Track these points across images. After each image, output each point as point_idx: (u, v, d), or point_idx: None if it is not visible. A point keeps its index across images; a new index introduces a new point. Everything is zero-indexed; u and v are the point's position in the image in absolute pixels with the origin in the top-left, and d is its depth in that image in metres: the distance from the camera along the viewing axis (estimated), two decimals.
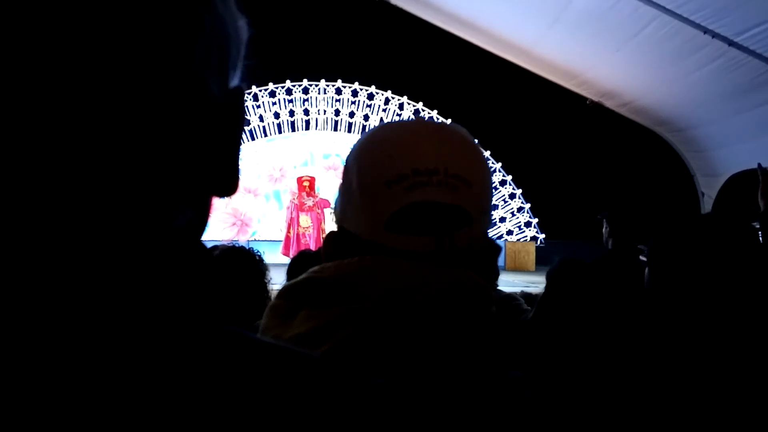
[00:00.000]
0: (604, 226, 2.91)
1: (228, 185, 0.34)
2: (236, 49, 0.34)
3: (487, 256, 0.67)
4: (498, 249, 0.69)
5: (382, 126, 0.67)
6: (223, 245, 2.16)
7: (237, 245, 2.20)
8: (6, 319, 0.25)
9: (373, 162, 0.62)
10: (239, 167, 0.34)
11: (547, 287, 1.77)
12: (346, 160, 0.67)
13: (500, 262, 11.42)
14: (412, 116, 13.10)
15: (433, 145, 0.62)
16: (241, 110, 0.34)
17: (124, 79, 0.27)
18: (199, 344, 0.30)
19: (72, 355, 0.26)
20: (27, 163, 0.25)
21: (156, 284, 0.30)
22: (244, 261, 2.08)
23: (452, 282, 0.59)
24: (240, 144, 0.34)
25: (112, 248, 0.28)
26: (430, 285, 0.58)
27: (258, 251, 2.13)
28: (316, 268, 0.63)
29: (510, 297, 2.65)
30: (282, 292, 0.64)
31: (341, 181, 0.66)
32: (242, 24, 0.35)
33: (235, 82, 0.34)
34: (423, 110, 13.12)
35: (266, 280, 2.08)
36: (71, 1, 0.26)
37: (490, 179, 0.67)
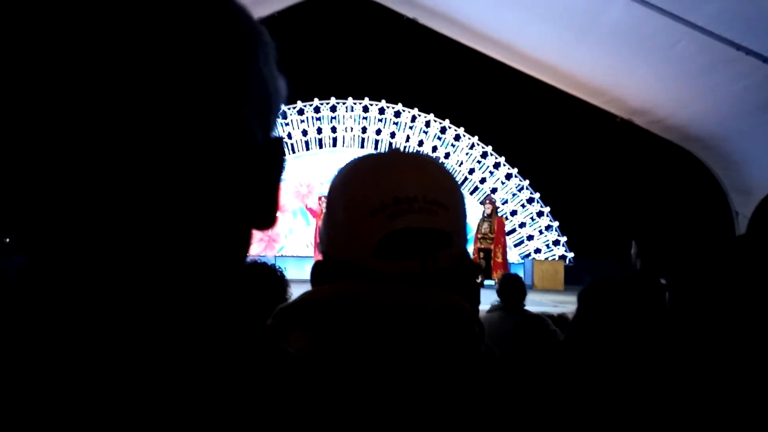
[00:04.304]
0: (633, 246, 2.87)
1: (267, 221, 0.39)
2: (277, 103, 0.39)
3: (467, 275, 0.70)
4: (478, 269, 0.74)
5: (362, 158, 0.73)
6: (247, 261, 2.17)
7: (259, 261, 2.22)
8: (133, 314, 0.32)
9: (357, 193, 0.67)
10: (278, 205, 0.39)
11: (578, 309, 1.75)
12: (329, 192, 0.72)
13: (528, 281, 11.28)
14: (438, 133, 13.10)
15: (411, 174, 0.67)
16: (281, 157, 0.39)
17: (190, 133, 0.32)
18: (247, 352, 0.36)
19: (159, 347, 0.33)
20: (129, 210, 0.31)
21: (210, 299, 0.35)
22: (265, 276, 2.09)
23: (438, 303, 0.63)
24: (279, 185, 0.39)
25: (183, 269, 0.34)
26: (420, 306, 0.62)
27: (279, 267, 2.15)
28: (309, 291, 0.66)
29: (537, 318, 2.61)
30: (276, 313, 0.67)
31: (325, 211, 0.71)
32: (282, 82, 0.40)
33: (275, 131, 0.39)
34: (450, 127, 13.12)
35: (287, 296, 2.09)
36: (152, 70, 0.31)
37: (463, 202, 0.72)
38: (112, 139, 0.30)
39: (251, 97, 0.35)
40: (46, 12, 0.30)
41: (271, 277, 2.10)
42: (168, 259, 0.33)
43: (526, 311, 3.36)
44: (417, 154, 0.73)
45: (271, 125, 0.39)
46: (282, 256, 12.08)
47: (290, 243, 12.55)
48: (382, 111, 13.21)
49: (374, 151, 0.75)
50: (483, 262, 10.54)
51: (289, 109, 13.04)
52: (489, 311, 3.43)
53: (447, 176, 0.70)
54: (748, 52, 4.63)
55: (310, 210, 11.02)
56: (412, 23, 8.68)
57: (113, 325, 0.32)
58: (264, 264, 2.19)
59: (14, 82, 0.30)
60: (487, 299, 3.60)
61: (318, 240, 9.91)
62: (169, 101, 0.31)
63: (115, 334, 0.32)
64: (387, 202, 0.64)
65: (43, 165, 0.30)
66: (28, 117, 0.30)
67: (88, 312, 0.32)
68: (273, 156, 0.39)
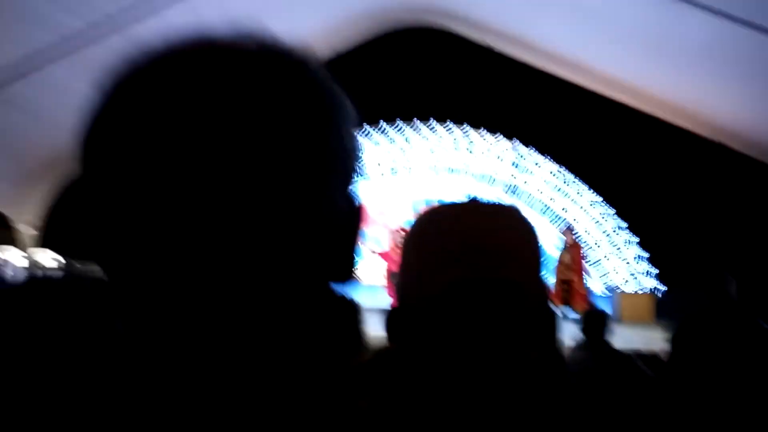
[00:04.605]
0: (730, 282, 2.64)
1: (345, 275, 0.44)
2: (355, 166, 0.43)
3: (544, 321, 0.68)
4: (554, 316, 0.72)
5: (439, 207, 0.76)
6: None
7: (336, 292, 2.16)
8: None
9: (429, 240, 0.70)
10: (354, 262, 0.44)
11: (673, 349, 1.59)
12: (404, 239, 0.75)
13: (614, 313, 10.71)
14: (515, 159, 12.83)
15: (484, 223, 0.68)
16: (359, 220, 0.44)
17: (279, 203, 0.37)
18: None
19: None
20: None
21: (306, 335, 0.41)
22: (342, 309, 2.03)
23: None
24: (356, 245, 0.44)
25: (266, 315, 0.39)
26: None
27: (354, 299, 2.10)
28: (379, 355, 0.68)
29: (624, 356, 2.40)
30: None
31: (400, 259, 0.74)
32: (359, 143, 0.44)
33: (353, 188, 0.44)
34: (529, 154, 12.82)
35: (360, 327, 2.06)
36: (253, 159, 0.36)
37: (540, 251, 0.71)
38: (218, 208, 0.36)
39: (332, 164, 0.40)
40: (169, 108, 0.36)
41: (347, 310, 2.03)
42: (251, 306, 0.38)
43: (614, 349, 3.11)
44: (493, 204, 0.74)
45: (352, 187, 0.43)
46: (355, 283, 12.07)
47: (362, 271, 12.56)
48: (456, 139, 13.11)
49: (451, 201, 0.77)
50: (565, 294, 10.15)
51: (365, 136, 13.21)
52: (574, 349, 3.20)
53: (521, 225, 0.71)
54: None
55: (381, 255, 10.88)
56: (487, 50, 8.63)
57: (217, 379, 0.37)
58: (341, 297, 2.14)
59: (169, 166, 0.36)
60: (570, 333, 3.37)
61: (391, 283, 9.96)
62: (262, 173, 0.36)
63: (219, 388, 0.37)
64: (458, 250, 0.66)
65: (170, 226, 0.36)
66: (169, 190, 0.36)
67: (198, 369, 0.37)
68: (352, 219, 0.43)
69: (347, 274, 0.44)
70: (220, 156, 0.35)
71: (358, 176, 0.44)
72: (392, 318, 0.73)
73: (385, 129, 13.16)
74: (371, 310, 2.05)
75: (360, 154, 0.44)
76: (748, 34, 4.69)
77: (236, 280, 0.37)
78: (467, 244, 0.66)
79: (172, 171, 0.35)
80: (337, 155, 0.40)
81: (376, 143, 13.16)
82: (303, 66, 0.41)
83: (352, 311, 1.99)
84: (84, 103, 0.40)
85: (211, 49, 0.39)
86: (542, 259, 0.72)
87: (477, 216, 0.70)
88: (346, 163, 0.42)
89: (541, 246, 0.72)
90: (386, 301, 9.14)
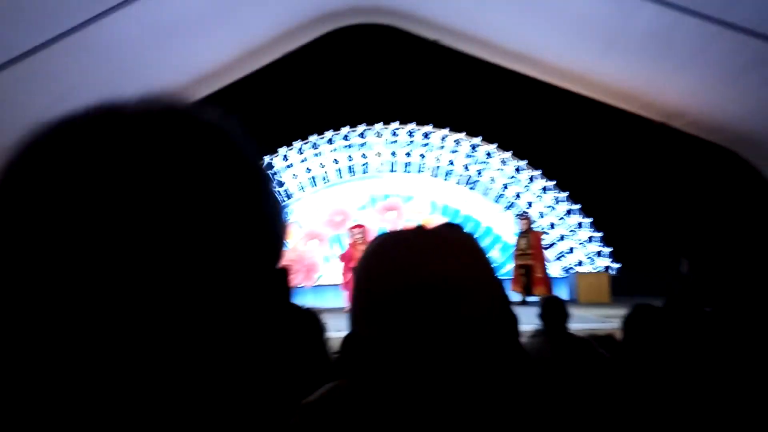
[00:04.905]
0: (684, 264, 2.78)
1: (272, 338, 0.42)
2: (279, 231, 0.42)
3: (505, 328, 0.71)
4: (514, 320, 0.75)
5: (385, 240, 0.75)
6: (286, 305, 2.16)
7: (299, 306, 2.19)
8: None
9: (376, 279, 0.70)
10: (281, 329, 0.42)
11: (624, 335, 1.69)
12: (356, 266, 0.74)
13: (572, 295, 11.00)
14: (470, 151, 12.99)
15: (431, 262, 0.68)
16: (285, 285, 0.42)
17: (202, 273, 0.36)
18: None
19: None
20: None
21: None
22: (303, 322, 2.06)
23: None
24: (283, 310, 0.43)
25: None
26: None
27: (316, 311, 2.12)
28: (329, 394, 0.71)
29: (581, 341, 2.49)
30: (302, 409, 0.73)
31: (354, 287, 0.74)
32: (283, 209, 0.43)
33: (282, 255, 0.42)
34: (481, 144, 13.01)
35: (324, 339, 2.06)
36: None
37: (492, 276, 0.72)
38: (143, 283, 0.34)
39: (254, 233, 0.39)
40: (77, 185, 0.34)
41: (309, 322, 2.07)
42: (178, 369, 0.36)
43: (570, 334, 3.22)
44: (438, 234, 0.73)
45: (277, 252, 0.42)
46: (320, 285, 12.08)
47: (328, 271, 12.57)
48: (411, 134, 13.21)
49: (400, 229, 0.73)
50: (524, 279, 10.36)
51: (319, 139, 13.18)
52: (531, 336, 3.30)
53: (469, 251, 0.71)
54: None
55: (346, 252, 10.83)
56: (435, 45, 8.69)
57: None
58: (301, 309, 2.17)
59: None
60: (530, 318, 3.48)
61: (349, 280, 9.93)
62: (183, 243, 0.35)
63: None
64: (402, 290, 0.66)
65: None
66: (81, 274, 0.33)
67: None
68: (277, 284, 0.42)
69: (273, 335, 0.42)
70: (123, 227, 0.33)
71: (283, 241, 0.43)
72: (346, 345, 0.76)
73: (339, 129, 13.17)
74: (334, 309, 2.07)
75: (284, 220, 0.43)
76: (690, 21, 4.87)
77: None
78: (411, 285, 0.66)
79: (67, 245, 0.33)
80: (259, 224, 0.39)
81: (331, 143, 13.16)
82: (215, 133, 0.39)
83: (313, 325, 2.01)
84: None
85: (118, 116, 0.37)
86: (494, 281, 0.71)
87: (422, 254, 0.69)
88: (268, 231, 0.40)
89: (492, 265, 0.72)
90: (346, 301, 9.19)
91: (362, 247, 9.48)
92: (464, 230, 0.74)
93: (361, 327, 0.70)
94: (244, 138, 0.40)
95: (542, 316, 3.31)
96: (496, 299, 0.69)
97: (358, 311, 0.71)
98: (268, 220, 0.40)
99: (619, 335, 2.21)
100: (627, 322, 1.65)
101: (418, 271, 0.67)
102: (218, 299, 0.36)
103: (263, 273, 0.40)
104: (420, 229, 0.75)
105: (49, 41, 6.27)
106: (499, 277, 0.73)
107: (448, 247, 0.70)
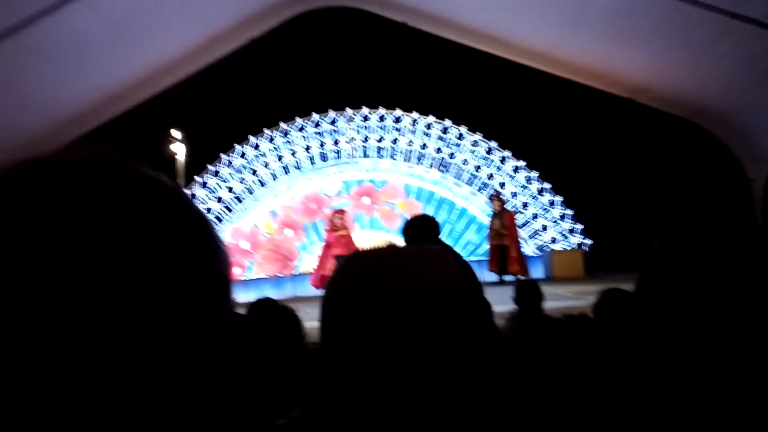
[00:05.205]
0: (657, 244, 2.82)
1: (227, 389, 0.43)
2: (223, 275, 0.42)
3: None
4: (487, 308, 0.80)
5: (356, 260, 0.75)
6: (261, 300, 2.16)
7: (275, 302, 2.18)
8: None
9: (344, 304, 0.70)
10: (235, 376, 0.43)
11: (595, 319, 1.71)
12: (324, 294, 0.74)
13: (547, 272, 11.14)
14: (441, 134, 12.99)
15: (396, 280, 0.69)
16: (234, 338, 0.43)
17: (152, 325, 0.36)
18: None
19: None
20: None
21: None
22: (279, 318, 2.05)
23: None
24: (235, 360, 0.43)
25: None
26: None
27: (292, 308, 2.11)
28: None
29: (556, 322, 2.52)
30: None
31: (323, 307, 0.74)
32: (224, 254, 0.43)
33: (231, 296, 0.43)
34: (451, 127, 13.03)
35: (302, 334, 2.06)
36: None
37: (463, 293, 0.72)
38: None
39: (201, 282, 0.39)
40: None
41: (285, 318, 2.05)
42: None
43: (545, 316, 3.26)
44: (408, 254, 0.75)
45: (226, 296, 0.42)
46: (299, 274, 12.04)
47: (306, 260, 12.52)
48: (382, 118, 13.16)
49: (373, 247, 0.74)
50: (499, 259, 10.44)
51: (290, 127, 13.06)
52: (507, 320, 3.33)
53: (441, 271, 0.72)
54: (745, 19, 4.51)
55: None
56: (402, 27, 8.64)
57: None
58: (277, 305, 2.16)
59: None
60: (506, 298, 3.52)
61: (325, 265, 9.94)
62: (132, 298, 0.35)
63: None
64: (371, 311, 0.67)
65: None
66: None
67: None
68: (229, 337, 0.42)
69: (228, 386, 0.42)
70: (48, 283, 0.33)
71: (229, 287, 0.43)
72: (321, 362, 0.75)
73: (309, 115, 13.05)
74: (313, 298, 2.06)
75: (226, 263, 0.43)
76: (664, 1, 4.90)
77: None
78: (377, 305, 0.67)
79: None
80: (204, 273, 0.39)
81: (302, 130, 13.05)
82: (149, 186, 0.39)
83: (288, 322, 1.99)
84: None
85: (41, 168, 0.37)
86: (461, 299, 0.72)
87: (387, 275, 0.70)
88: (213, 277, 0.41)
89: (460, 281, 0.73)
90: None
91: (342, 232, 9.31)
92: (433, 249, 0.75)
93: (330, 346, 0.71)
94: (174, 185, 0.41)
95: (517, 300, 3.34)
96: (463, 318, 0.70)
97: (327, 330, 0.72)
98: (209, 267, 0.40)
99: (591, 314, 2.25)
100: (597, 307, 1.68)
101: (385, 292, 0.68)
102: (162, 343, 0.36)
103: (211, 314, 0.40)
104: (388, 250, 0.77)
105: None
106: (467, 292, 0.73)
107: (415, 267, 0.71)
